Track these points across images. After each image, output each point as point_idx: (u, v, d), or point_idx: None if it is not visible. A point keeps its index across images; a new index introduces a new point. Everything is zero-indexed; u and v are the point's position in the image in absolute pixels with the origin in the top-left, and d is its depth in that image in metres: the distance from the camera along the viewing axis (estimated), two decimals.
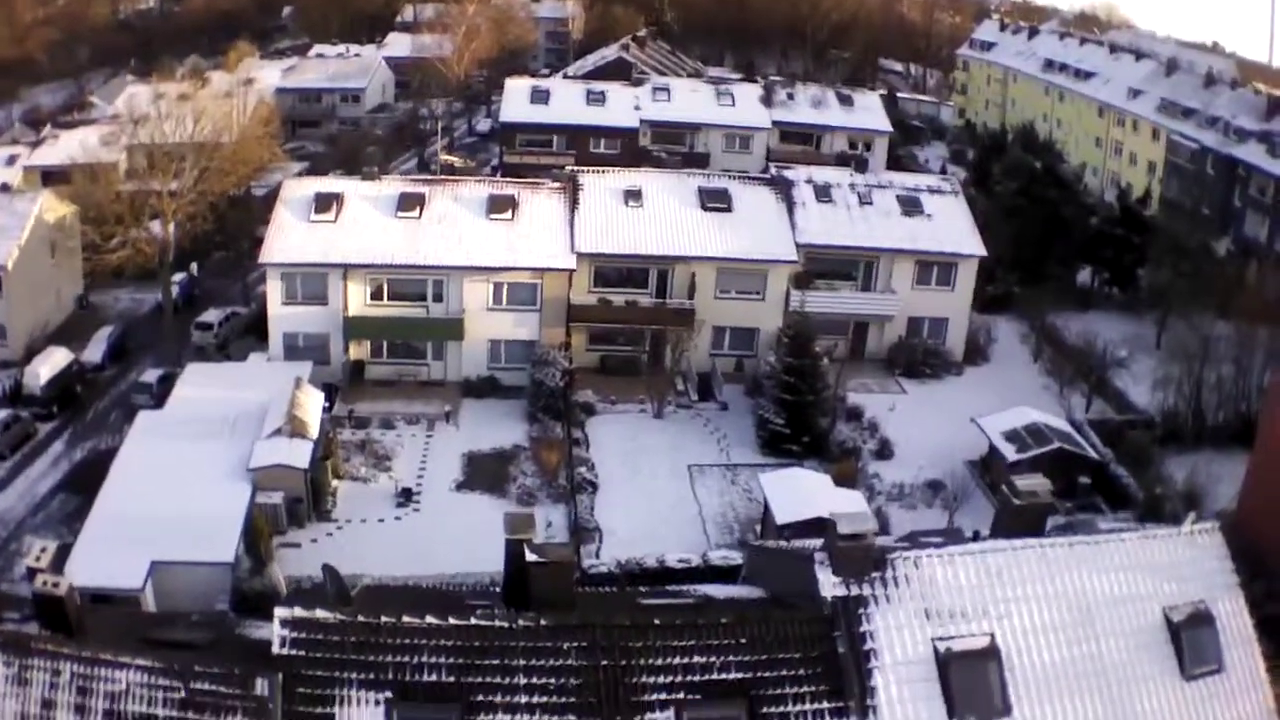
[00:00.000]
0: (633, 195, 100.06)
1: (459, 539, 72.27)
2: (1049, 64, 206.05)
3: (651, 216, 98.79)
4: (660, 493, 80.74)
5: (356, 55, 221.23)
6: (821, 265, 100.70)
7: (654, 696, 38.90)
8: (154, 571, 62.73)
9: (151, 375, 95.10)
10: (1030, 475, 50.53)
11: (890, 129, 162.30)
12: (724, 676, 39.61)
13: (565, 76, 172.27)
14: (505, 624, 39.66)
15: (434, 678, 38.59)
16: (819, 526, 49.60)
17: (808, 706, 39.35)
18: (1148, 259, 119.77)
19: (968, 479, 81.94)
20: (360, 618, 39.57)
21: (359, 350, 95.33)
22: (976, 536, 49.81)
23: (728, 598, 50.43)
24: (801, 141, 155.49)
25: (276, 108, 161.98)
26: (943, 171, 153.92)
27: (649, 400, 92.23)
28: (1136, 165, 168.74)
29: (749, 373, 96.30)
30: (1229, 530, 45.67)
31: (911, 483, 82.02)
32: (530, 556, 42.32)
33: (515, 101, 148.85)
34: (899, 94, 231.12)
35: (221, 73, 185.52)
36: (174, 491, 68.75)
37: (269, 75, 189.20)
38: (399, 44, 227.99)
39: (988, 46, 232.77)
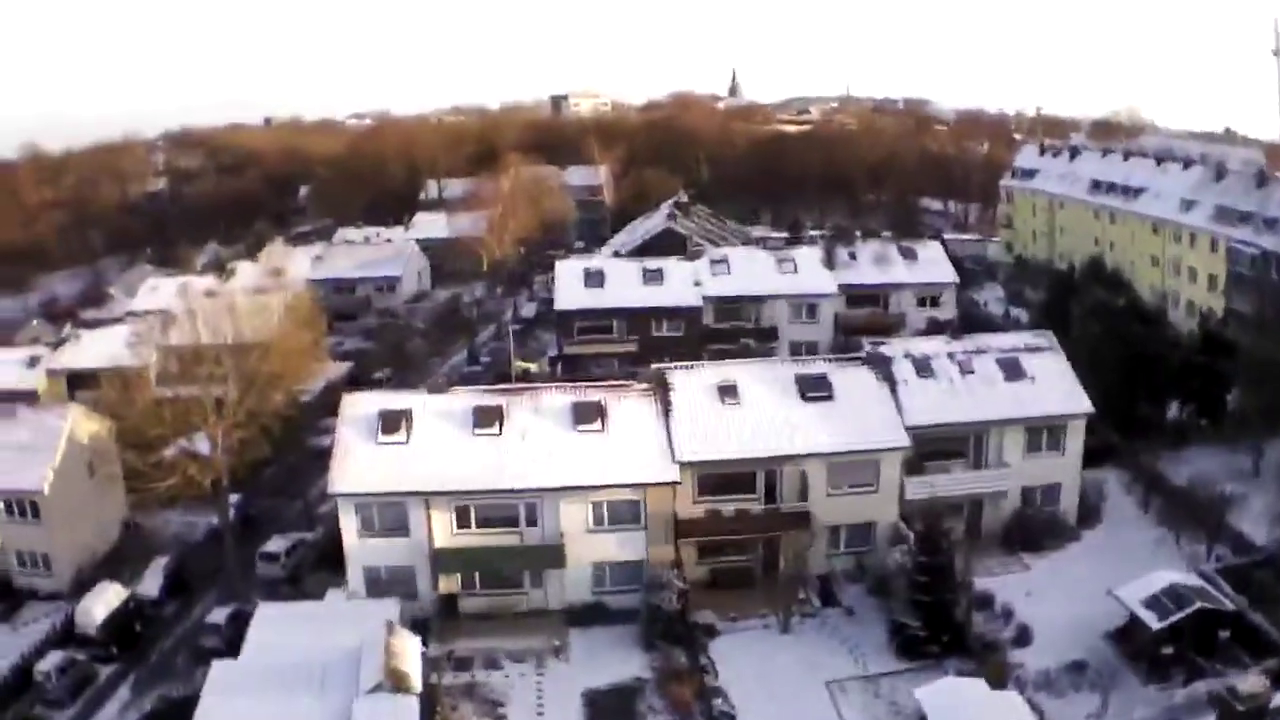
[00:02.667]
0: (728, 392, 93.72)
1: None
2: (1096, 185, 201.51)
3: (751, 414, 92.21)
4: (803, 716, 74.20)
5: (387, 240, 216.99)
6: (930, 446, 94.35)
7: None
8: None
9: (219, 614, 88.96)
10: (1248, 674, 44.88)
11: (956, 279, 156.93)
12: None
13: (616, 255, 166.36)
14: None
15: None
16: None
17: None
18: (1233, 384, 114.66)
19: (1110, 656, 77.22)
20: None
21: (449, 583, 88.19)
22: None
23: None
24: (869, 303, 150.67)
25: (316, 304, 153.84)
26: (1005, 315, 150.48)
27: (771, 613, 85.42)
28: (1197, 281, 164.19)
29: (870, 570, 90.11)
30: None
31: (1055, 667, 76.58)
32: None
33: (569, 286, 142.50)
34: (945, 236, 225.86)
35: (247, 263, 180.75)
36: None
37: (298, 265, 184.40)
38: (427, 225, 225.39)
39: (1030, 174, 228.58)
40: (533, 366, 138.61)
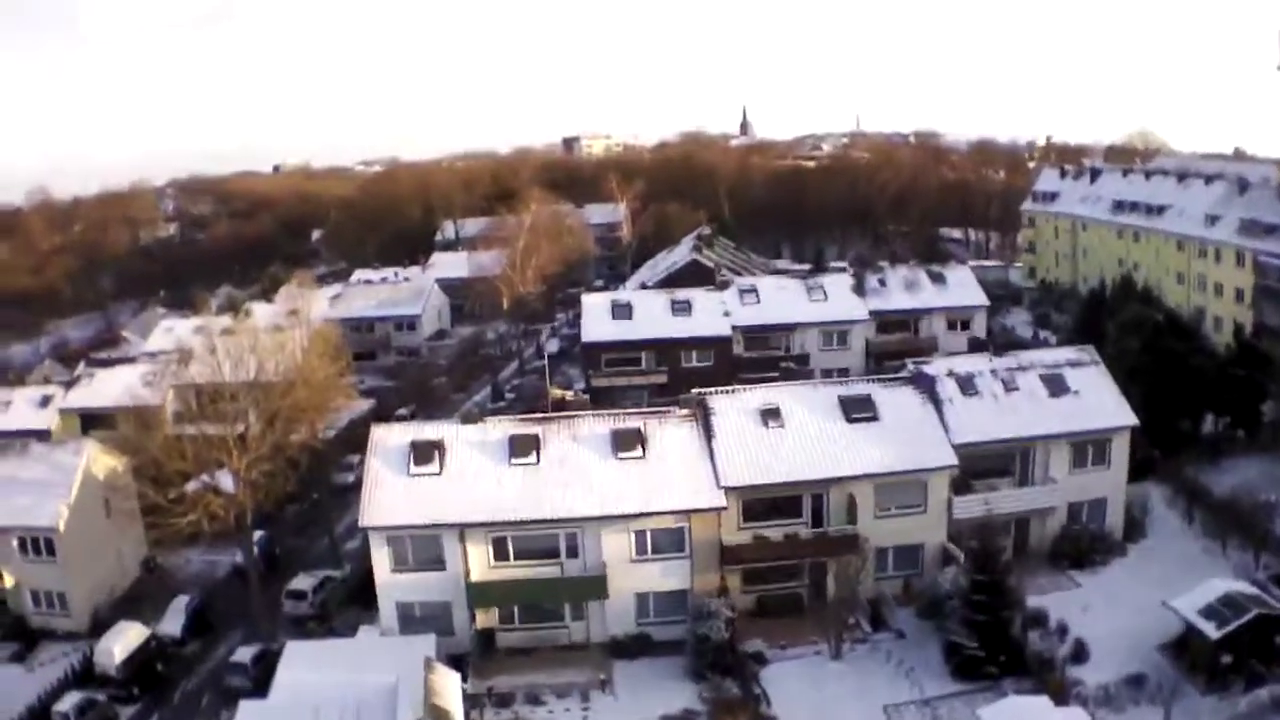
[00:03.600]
0: (771, 415, 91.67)
1: None
2: (1118, 205, 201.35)
3: (795, 437, 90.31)
4: None
5: (405, 280, 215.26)
6: (977, 464, 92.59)
7: None
8: None
9: (245, 653, 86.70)
10: None
11: (987, 302, 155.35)
12: None
13: (644, 286, 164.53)
14: None
15: None
16: None
17: None
18: (1269, 395, 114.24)
19: (1167, 667, 75.57)
20: None
21: (487, 617, 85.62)
22: None
23: None
24: (900, 329, 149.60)
25: (340, 337, 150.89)
26: (1034, 338, 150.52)
27: (822, 640, 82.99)
28: (1223, 295, 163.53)
29: (921, 592, 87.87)
30: None
31: (1114, 682, 74.32)
32: None
33: (595, 319, 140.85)
34: (968, 263, 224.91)
35: (262, 304, 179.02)
36: None
37: (315, 304, 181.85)
38: (446, 264, 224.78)
39: (1051, 197, 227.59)
40: (569, 394, 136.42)
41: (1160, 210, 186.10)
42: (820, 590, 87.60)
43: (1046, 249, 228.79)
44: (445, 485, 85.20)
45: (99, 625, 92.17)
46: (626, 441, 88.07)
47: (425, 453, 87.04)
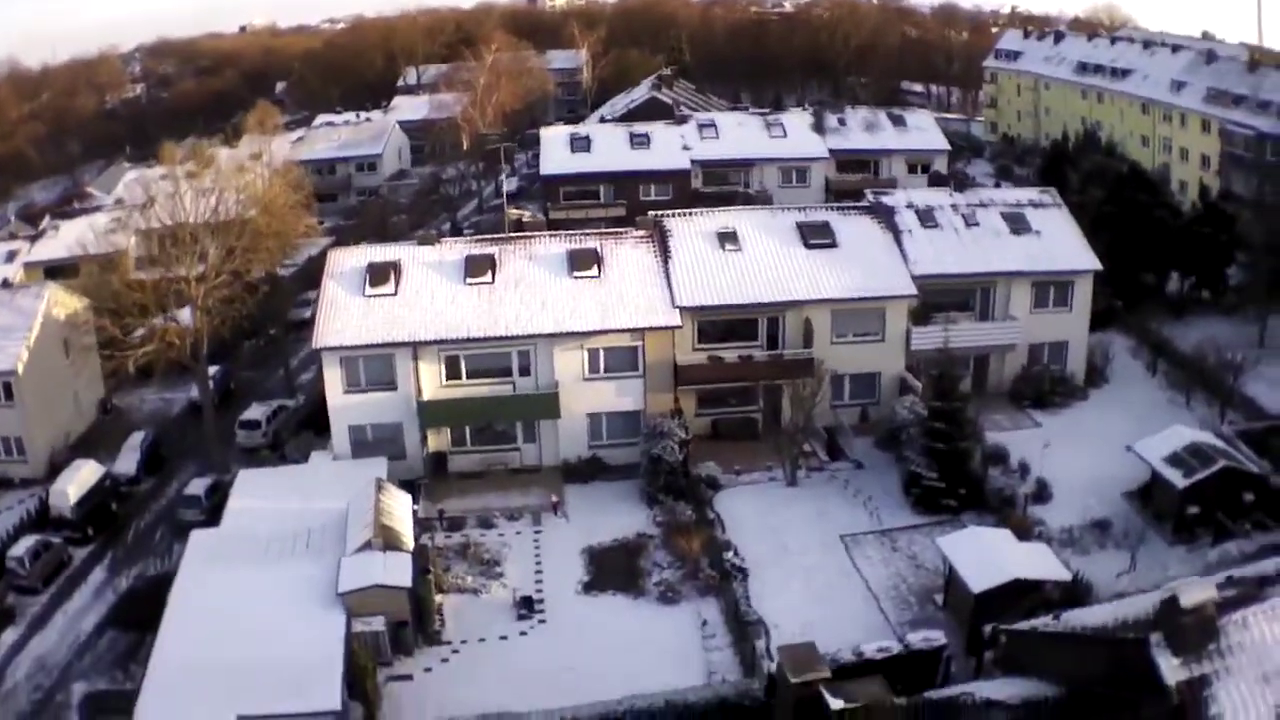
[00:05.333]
0: (728, 238, 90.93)
1: (603, 648, 63.19)
2: (1082, 67, 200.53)
3: (753, 260, 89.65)
4: (817, 570, 70.82)
5: (367, 120, 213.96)
6: (935, 297, 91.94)
7: None
8: None
9: (198, 485, 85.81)
10: None
11: (948, 146, 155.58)
12: None
13: (603, 120, 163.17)
14: None
15: None
16: (1019, 592, 49.79)
17: None
18: (1234, 257, 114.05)
19: (1132, 514, 74.85)
20: None
21: (438, 439, 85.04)
22: None
23: (1022, 700, 39.54)
24: (860, 169, 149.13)
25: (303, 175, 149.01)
26: (996, 187, 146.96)
27: (777, 466, 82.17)
28: (1188, 160, 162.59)
29: (878, 422, 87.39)
30: None
31: (1079, 525, 73.68)
32: (834, 703, 31.37)
33: (555, 152, 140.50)
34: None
35: (226, 149, 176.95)
36: (250, 626, 58.54)
37: (277, 148, 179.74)
38: (408, 107, 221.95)
39: (1014, 56, 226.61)
40: (526, 215, 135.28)
41: (1125, 74, 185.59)
42: (776, 415, 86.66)
43: (1008, 106, 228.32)
44: (400, 305, 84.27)
45: (56, 470, 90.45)
46: (583, 261, 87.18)
47: (381, 273, 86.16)
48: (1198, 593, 33.81)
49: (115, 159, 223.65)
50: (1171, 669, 33.43)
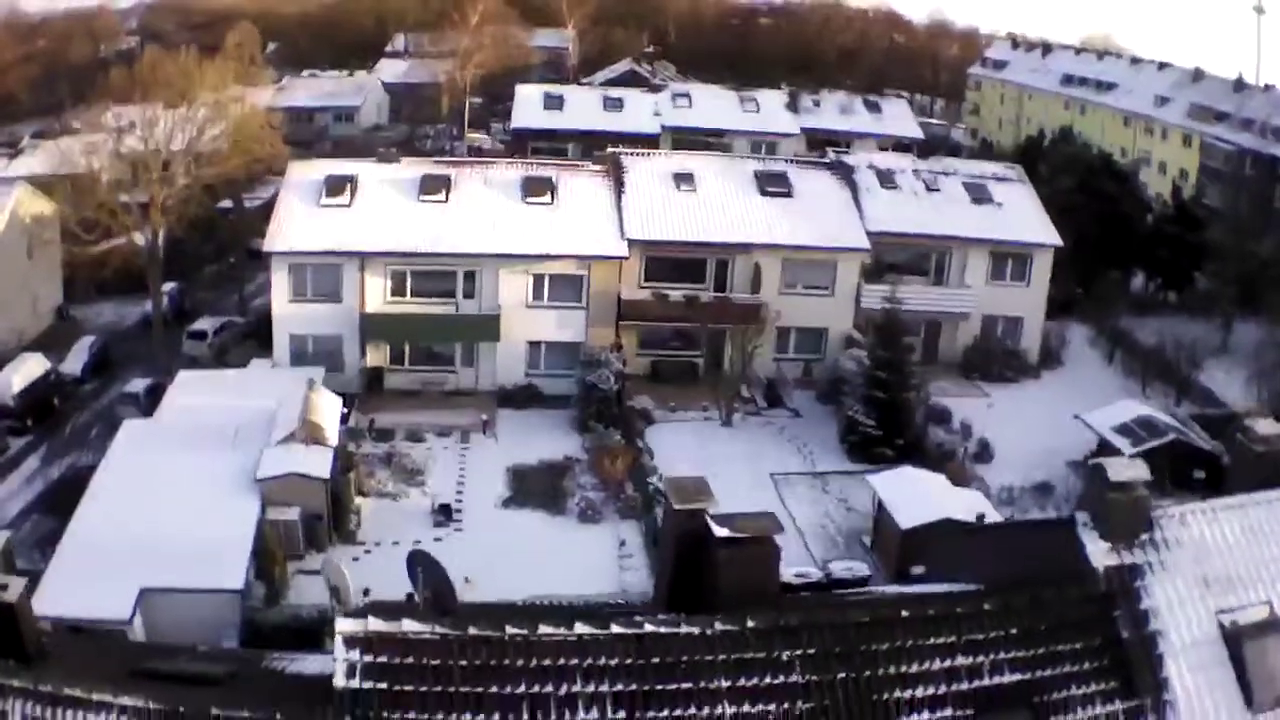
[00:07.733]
0: (684, 179, 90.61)
1: (517, 559, 62.33)
2: (1068, 79, 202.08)
3: (707, 201, 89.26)
4: (744, 505, 68.23)
5: (349, 75, 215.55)
6: (890, 257, 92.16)
7: (910, 717, 27.83)
8: (144, 600, 51.94)
9: (138, 385, 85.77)
10: (1264, 419, 40.61)
11: (921, 135, 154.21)
12: (999, 680, 29.07)
13: (580, 83, 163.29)
14: (696, 630, 27.89)
15: (594, 715, 26.40)
16: (947, 530, 47.42)
17: (1099, 710, 29.70)
18: (1203, 260, 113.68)
19: (1075, 481, 72.99)
20: (474, 630, 27.25)
21: (377, 355, 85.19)
22: None
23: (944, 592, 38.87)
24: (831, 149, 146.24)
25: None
26: None
27: (713, 407, 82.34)
28: (1165, 174, 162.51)
29: (820, 377, 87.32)
30: None
31: (1020, 486, 73.17)
32: (719, 531, 30.74)
33: (527, 108, 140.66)
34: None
35: (209, 93, 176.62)
36: (166, 508, 58.13)
37: (259, 96, 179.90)
38: (392, 70, 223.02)
39: (1000, 65, 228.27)
40: (485, 140, 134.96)
41: (1110, 87, 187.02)
42: (718, 361, 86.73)
43: (990, 114, 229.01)
44: (353, 217, 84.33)
45: (2, 363, 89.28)
46: (537, 188, 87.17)
47: (337, 186, 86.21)
48: (1126, 469, 32.86)
49: (104, 102, 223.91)
50: (1100, 552, 31.98)
